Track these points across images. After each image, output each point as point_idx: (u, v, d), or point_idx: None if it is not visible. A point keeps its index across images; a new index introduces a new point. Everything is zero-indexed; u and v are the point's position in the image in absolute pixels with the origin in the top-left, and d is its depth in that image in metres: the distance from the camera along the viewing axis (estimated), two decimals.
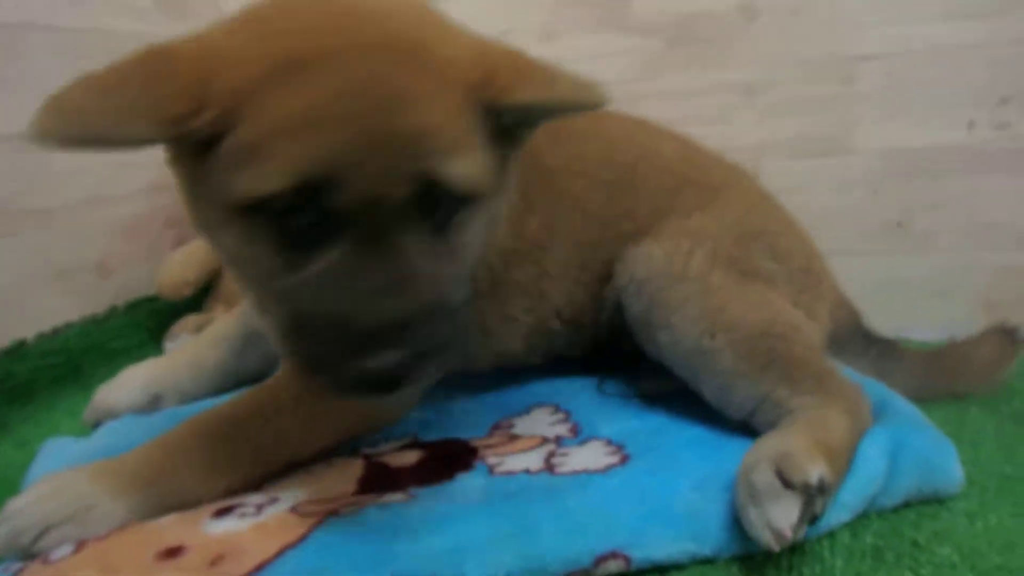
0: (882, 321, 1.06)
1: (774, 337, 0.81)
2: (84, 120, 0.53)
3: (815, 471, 0.64)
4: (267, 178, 0.55)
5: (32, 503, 0.67)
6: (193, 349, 1.05)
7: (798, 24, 1.31)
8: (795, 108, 1.34)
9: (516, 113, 0.65)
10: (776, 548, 0.62)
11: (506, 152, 0.70)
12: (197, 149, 0.58)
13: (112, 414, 0.97)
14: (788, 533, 0.61)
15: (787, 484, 0.64)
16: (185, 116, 0.55)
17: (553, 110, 0.67)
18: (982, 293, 1.30)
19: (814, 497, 0.64)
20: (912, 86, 1.28)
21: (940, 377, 0.99)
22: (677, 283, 0.84)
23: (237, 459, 0.74)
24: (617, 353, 0.98)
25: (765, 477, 0.65)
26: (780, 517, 0.62)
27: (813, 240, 1.02)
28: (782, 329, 0.82)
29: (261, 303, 0.68)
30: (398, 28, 0.62)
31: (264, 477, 0.76)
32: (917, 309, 1.31)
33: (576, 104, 0.66)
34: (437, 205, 0.61)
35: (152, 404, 0.99)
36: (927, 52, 1.26)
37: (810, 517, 0.64)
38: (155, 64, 0.57)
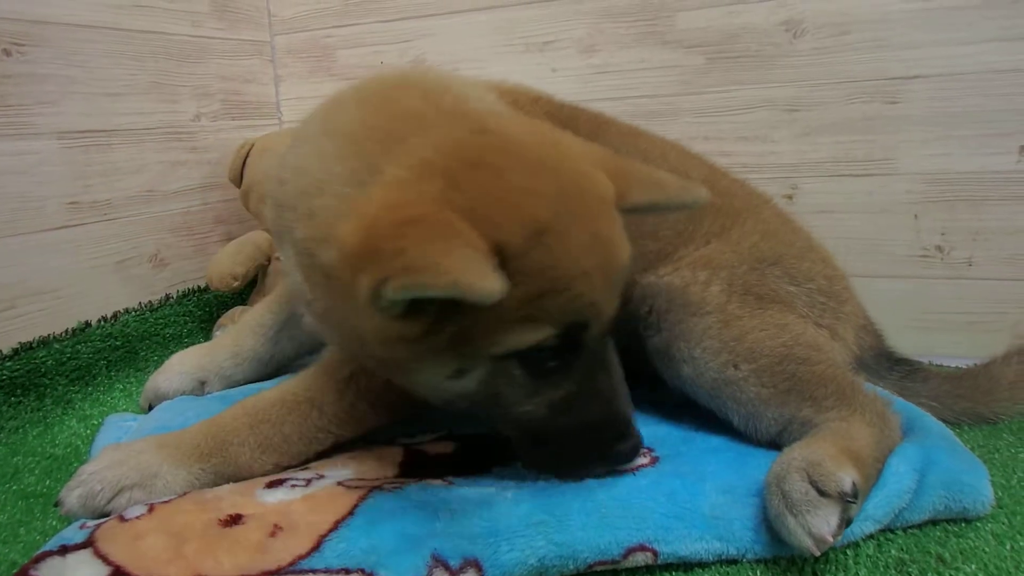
0: (912, 348, 1.05)
1: (795, 361, 0.82)
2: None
3: (847, 478, 0.66)
4: (538, 331, 0.66)
5: (104, 468, 0.72)
6: (232, 337, 1.11)
7: (844, 42, 1.30)
8: (837, 128, 1.33)
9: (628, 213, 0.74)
10: (818, 553, 0.64)
11: None
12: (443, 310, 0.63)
13: (163, 399, 1.04)
14: (830, 539, 0.63)
15: (822, 493, 0.66)
16: None
17: (659, 209, 0.77)
18: (1016, 326, 1.27)
19: (850, 503, 0.66)
20: (960, 109, 1.25)
21: (966, 399, 0.98)
22: (696, 315, 0.85)
23: (288, 439, 0.79)
24: (636, 376, 1.00)
25: (799, 487, 0.67)
26: (820, 524, 0.64)
27: (836, 262, 1.02)
28: (802, 351, 0.83)
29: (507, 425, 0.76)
30: (572, 170, 0.70)
31: (311, 456, 0.81)
32: (949, 337, 1.30)
33: (680, 204, 0.76)
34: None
35: (198, 389, 1.07)
36: (978, 74, 1.24)
37: (847, 521, 0.66)
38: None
